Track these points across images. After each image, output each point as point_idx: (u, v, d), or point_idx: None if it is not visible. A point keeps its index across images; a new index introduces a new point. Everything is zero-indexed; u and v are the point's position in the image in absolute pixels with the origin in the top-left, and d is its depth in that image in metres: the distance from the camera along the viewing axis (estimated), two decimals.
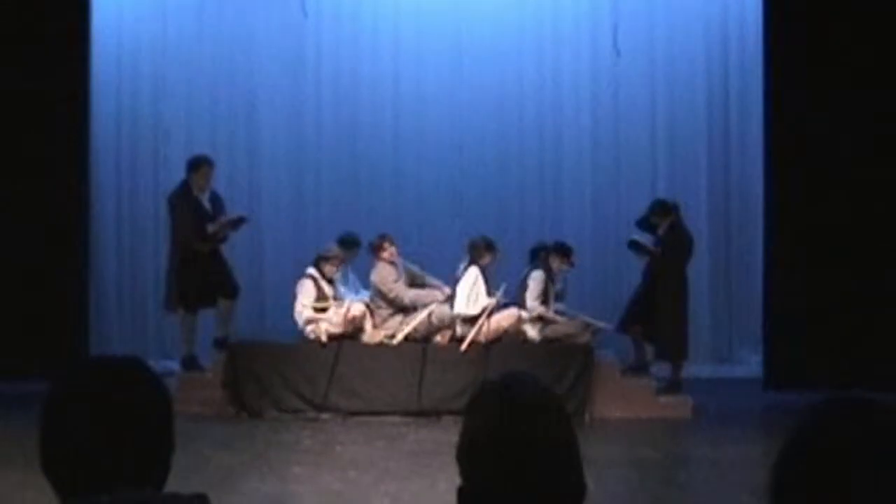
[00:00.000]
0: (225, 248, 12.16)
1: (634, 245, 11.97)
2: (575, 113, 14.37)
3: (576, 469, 2.09)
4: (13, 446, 9.12)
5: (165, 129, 14.22)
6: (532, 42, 14.35)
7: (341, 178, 14.36)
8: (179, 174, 12.20)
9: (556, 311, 11.86)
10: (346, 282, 12.17)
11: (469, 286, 11.50)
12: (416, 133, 14.34)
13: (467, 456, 2.09)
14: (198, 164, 11.85)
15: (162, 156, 14.10)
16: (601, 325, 11.79)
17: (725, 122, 14.23)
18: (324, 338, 11.43)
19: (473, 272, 11.57)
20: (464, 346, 11.32)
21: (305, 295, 11.56)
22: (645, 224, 12.01)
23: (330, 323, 11.47)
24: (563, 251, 11.93)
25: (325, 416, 11.31)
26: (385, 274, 11.67)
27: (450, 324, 11.54)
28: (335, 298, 11.70)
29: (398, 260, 11.82)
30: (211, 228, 11.75)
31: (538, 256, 11.92)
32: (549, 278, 11.80)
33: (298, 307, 11.56)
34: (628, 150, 14.26)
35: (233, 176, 13.77)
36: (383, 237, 11.80)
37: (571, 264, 12.05)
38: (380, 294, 11.67)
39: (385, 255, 11.71)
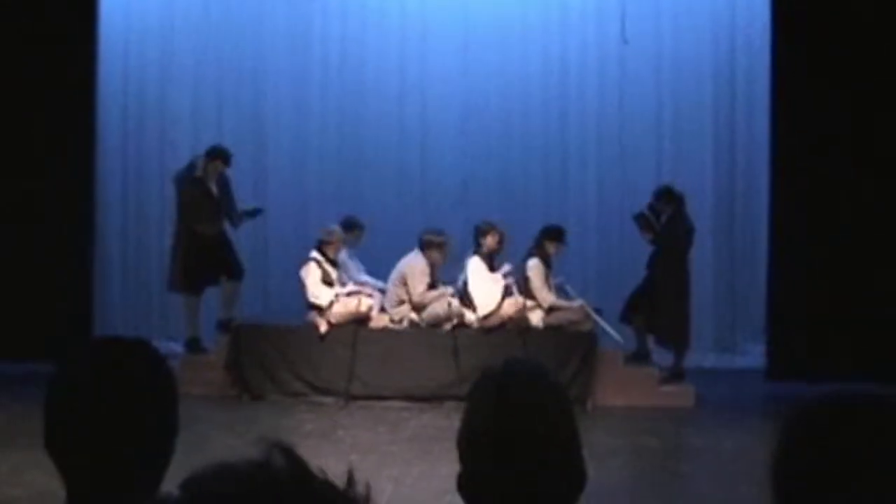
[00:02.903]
0: (230, 231, 12.18)
1: (640, 218, 11.92)
2: (581, 102, 14.35)
3: (576, 457, 2.09)
4: (18, 426, 9.16)
5: (172, 113, 14.23)
6: (538, 30, 14.33)
7: (346, 163, 14.36)
8: (185, 158, 12.21)
9: (559, 290, 11.87)
10: (353, 265, 12.19)
11: (479, 283, 11.52)
12: (421, 120, 14.34)
13: (467, 443, 2.09)
14: (214, 155, 11.83)
15: (168, 140, 14.11)
16: (611, 331, 11.63)
17: (731, 112, 14.21)
18: (322, 329, 11.43)
19: (476, 265, 11.57)
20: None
21: (313, 278, 11.53)
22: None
23: (338, 314, 11.45)
24: (554, 234, 11.88)
25: (327, 399, 11.33)
26: (420, 270, 11.62)
27: (459, 315, 11.54)
28: (342, 283, 11.71)
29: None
30: (234, 216, 11.84)
31: (534, 244, 11.89)
32: (547, 264, 11.78)
33: (315, 291, 11.50)
34: (633, 140, 14.24)
35: (238, 160, 13.70)
36: (441, 235, 11.68)
37: (565, 244, 12.01)
38: (403, 284, 11.63)
39: (434, 254, 11.62)
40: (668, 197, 11.91)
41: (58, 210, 12.56)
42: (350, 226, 12.14)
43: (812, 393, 1.75)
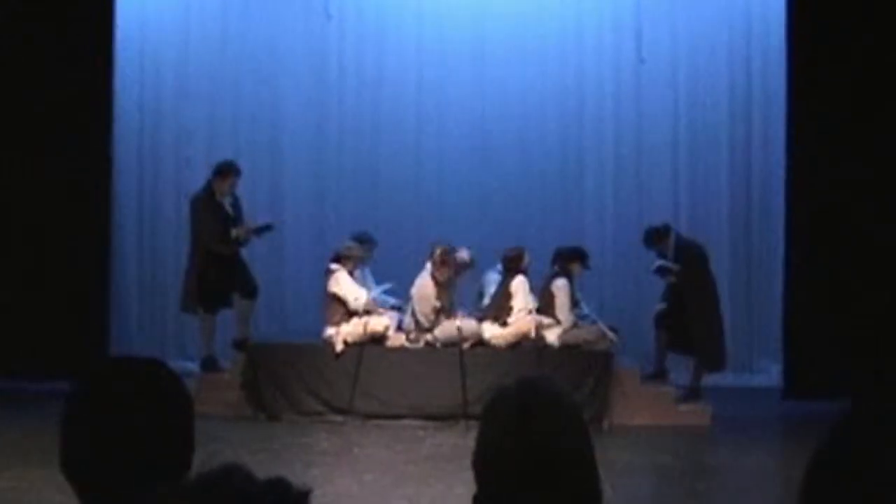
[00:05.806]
0: (245, 249, 12.19)
1: (662, 271, 11.87)
2: (597, 118, 14.35)
3: (591, 476, 2.08)
4: (34, 445, 9.18)
5: (188, 130, 14.25)
6: (555, 47, 14.33)
7: (363, 180, 14.37)
8: (202, 176, 12.23)
9: (578, 315, 11.86)
10: (367, 280, 12.18)
11: (523, 300, 11.55)
12: (438, 137, 14.34)
13: (484, 462, 2.09)
14: (225, 172, 11.84)
15: (184, 157, 14.14)
16: (611, 335, 11.61)
17: (748, 129, 14.18)
18: (339, 347, 11.43)
19: (521, 280, 11.61)
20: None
21: (346, 283, 11.52)
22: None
23: (354, 333, 11.45)
24: (579, 256, 11.88)
25: (343, 418, 11.32)
26: (423, 295, 11.62)
27: (475, 335, 11.53)
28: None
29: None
30: (235, 233, 11.76)
31: (558, 263, 11.87)
32: (571, 284, 11.77)
33: (355, 293, 11.44)
34: (650, 157, 14.23)
35: (255, 178, 13.77)
36: (448, 253, 11.64)
37: (588, 268, 12.03)
38: (419, 304, 11.66)
39: (439, 273, 11.59)
40: (657, 235, 11.86)
41: (74, 229, 12.59)
42: (363, 240, 12.14)
43: (844, 410, 1.70)
